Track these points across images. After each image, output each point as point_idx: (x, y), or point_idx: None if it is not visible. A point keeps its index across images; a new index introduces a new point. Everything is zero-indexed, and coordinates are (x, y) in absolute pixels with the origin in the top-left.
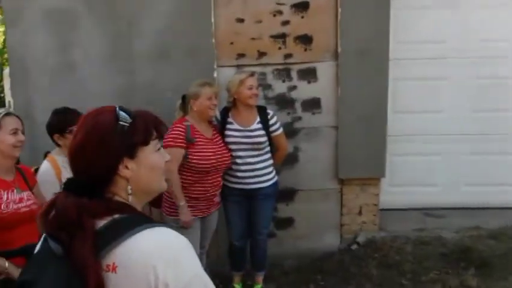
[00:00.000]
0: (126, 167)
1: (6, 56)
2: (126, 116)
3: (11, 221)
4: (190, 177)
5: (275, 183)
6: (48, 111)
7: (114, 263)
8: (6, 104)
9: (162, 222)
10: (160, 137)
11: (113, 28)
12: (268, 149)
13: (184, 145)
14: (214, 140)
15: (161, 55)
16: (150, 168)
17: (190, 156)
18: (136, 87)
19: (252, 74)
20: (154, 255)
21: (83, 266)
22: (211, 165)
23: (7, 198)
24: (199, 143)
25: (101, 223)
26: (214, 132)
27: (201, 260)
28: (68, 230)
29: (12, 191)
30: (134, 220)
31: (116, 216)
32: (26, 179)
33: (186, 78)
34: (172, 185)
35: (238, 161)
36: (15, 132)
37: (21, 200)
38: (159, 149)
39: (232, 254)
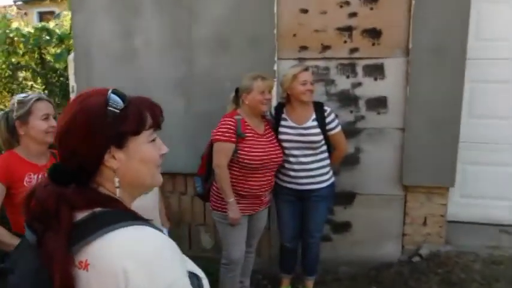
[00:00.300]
0: (113, 157)
1: (71, 41)
2: (119, 100)
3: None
4: (237, 173)
5: (331, 185)
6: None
7: (86, 260)
8: (70, 89)
9: (146, 220)
10: (157, 126)
11: (173, 16)
12: (324, 148)
13: (234, 140)
14: (266, 136)
15: (220, 45)
16: (140, 160)
17: (239, 152)
18: (194, 77)
19: (306, 69)
20: (127, 257)
21: (51, 259)
22: (260, 162)
23: (34, 182)
24: (250, 138)
25: (80, 216)
26: (267, 128)
27: (247, 259)
28: (43, 220)
29: (43, 175)
30: (115, 215)
31: (97, 209)
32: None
33: (245, 69)
34: (221, 180)
35: (292, 159)
36: (46, 118)
37: None
38: (153, 140)
39: (283, 255)
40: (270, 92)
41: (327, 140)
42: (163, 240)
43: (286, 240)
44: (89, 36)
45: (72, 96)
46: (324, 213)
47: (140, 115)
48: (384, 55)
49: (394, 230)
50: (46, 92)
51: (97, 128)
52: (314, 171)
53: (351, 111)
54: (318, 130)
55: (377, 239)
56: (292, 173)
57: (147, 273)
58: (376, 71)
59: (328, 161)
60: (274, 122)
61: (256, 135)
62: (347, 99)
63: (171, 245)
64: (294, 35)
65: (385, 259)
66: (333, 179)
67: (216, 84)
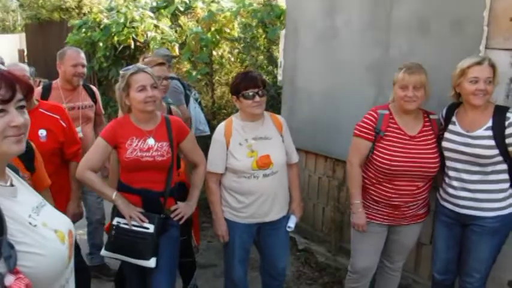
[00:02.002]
0: None
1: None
2: None
3: (132, 165)
4: (372, 175)
5: (507, 216)
6: (308, 75)
7: None
8: (278, 64)
9: None
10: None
11: None
12: (500, 167)
13: (371, 137)
14: (418, 139)
15: (419, 27)
16: None
17: (374, 152)
18: (389, 60)
19: (480, 62)
20: None
21: None
22: (398, 168)
23: (135, 146)
24: (391, 138)
25: None
26: (426, 130)
27: (388, 277)
28: None
29: (145, 140)
30: None
31: None
32: (170, 131)
33: (443, 57)
34: (349, 178)
35: (451, 174)
36: (142, 89)
37: (149, 149)
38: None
39: (432, 285)
40: (417, 88)
41: (507, 157)
42: None
43: (437, 271)
44: (299, 12)
45: (280, 72)
46: (489, 250)
47: None
48: None
49: None
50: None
51: None
52: (479, 194)
53: None
54: (490, 142)
55: None
56: (450, 190)
57: None
58: None
59: (506, 185)
60: (444, 125)
61: (401, 136)
62: None
63: None
64: None
65: None
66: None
67: None
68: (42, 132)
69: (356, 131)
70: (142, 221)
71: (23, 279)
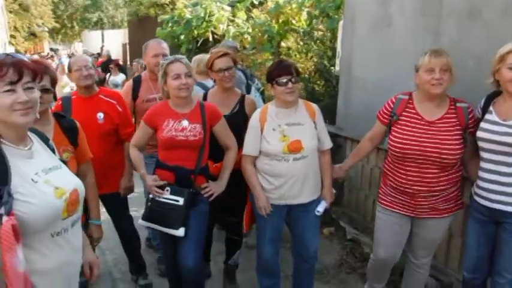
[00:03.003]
0: None
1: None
2: None
3: (167, 143)
4: (389, 160)
5: None
6: (363, 64)
7: None
8: (336, 54)
9: None
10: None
11: None
12: None
13: (386, 121)
14: (436, 125)
15: (471, 14)
16: None
17: (389, 135)
18: (440, 47)
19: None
20: None
21: None
22: (406, 152)
23: (171, 126)
24: (405, 122)
25: None
26: (449, 116)
27: (413, 274)
28: None
29: (180, 121)
30: None
31: None
32: (204, 115)
33: (493, 44)
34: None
35: (484, 165)
36: (177, 77)
37: (183, 129)
38: (10, 90)
39: (463, 284)
40: (443, 71)
41: None
42: None
43: (466, 269)
44: (356, 2)
45: (337, 62)
46: None
47: None
48: None
49: None
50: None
51: None
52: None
53: None
54: None
55: None
56: (483, 184)
57: None
58: None
59: None
60: (481, 113)
61: (417, 121)
62: None
63: None
64: None
65: None
66: None
67: (461, 60)
68: (100, 115)
69: (377, 113)
70: (160, 194)
71: (11, 220)
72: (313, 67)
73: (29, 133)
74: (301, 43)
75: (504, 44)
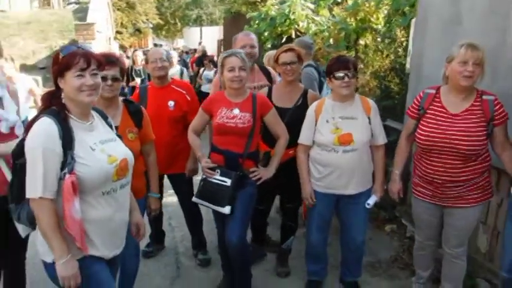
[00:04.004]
0: (60, 82)
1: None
2: (66, 51)
3: (219, 129)
4: (418, 151)
5: None
6: (433, 63)
7: None
8: (407, 53)
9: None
10: (82, 69)
11: None
12: None
13: (415, 115)
14: (460, 117)
15: None
16: (67, 85)
17: (417, 128)
18: (505, 46)
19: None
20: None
21: None
22: (431, 143)
23: (223, 114)
24: (431, 115)
25: None
26: (473, 109)
27: (449, 263)
28: None
29: (231, 110)
30: (47, 112)
31: (53, 107)
32: (255, 105)
33: None
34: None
35: None
36: (232, 70)
37: (233, 117)
38: (81, 75)
39: (501, 285)
40: (477, 64)
41: None
42: (45, 124)
43: (505, 269)
44: (427, 0)
45: (408, 60)
46: None
47: (68, 59)
48: None
49: None
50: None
51: (54, 64)
52: None
53: None
54: None
55: None
56: None
57: (27, 136)
58: None
59: None
60: None
61: (443, 113)
62: None
63: (46, 128)
64: None
65: None
66: None
67: None
68: (171, 103)
69: (407, 110)
70: (211, 175)
71: (72, 178)
72: (388, 65)
73: (92, 111)
74: (379, 40)
75: None
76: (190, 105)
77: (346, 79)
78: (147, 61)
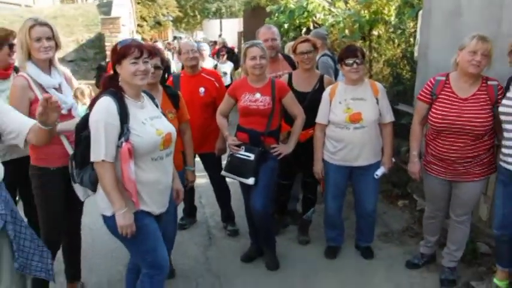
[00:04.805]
0: (118, 68)
1: None
2: (123, 43)
3: (243, 111)
4: (430, 132)
5: None
6: (437, 51)
7: None
8: (416, 41)
9: (113, 94)
10: (136, 57)
11: None
12: None
13: (427, 100)
14: (470, 101)
15: None
16: (123, 70)
17: (430, 112)
18: (501, 34)
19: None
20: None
21: None
22: (444, 125)
23: (247, 98)
24: (442, 99)
25: None
26: (480, 93)
27: (454, 228)
28: None
29: (254, 94)
30: (107, 92)
31: (111, 88)
32: (274, 89)
33: None
34: (410, 135)
35: (505, 135)
36: (254, 58)
37: (256, 100)
38: (135, 63)
39: (496, 244)
40: (485, 55)
41: None
42: (106, 102)
43: (495, 227)
44: None
45: (416, 48)
46: None
47: (124, 49)
48: None
49: None
50: None
51: (113, 54)
52: None
53: None
54: None
55: None
56: (504, 150)
57: (92, 111)
58: None
59: None
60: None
61: (453, 98)
62: None
63: (108, 105)
64: None
65: None
66: None
67: None
68: (202, 89)
69: (418, 95)
70: (236, 150)
71: (128, 145)
72: (400, 54)
73: (142, 93)
74: (391, 31)
75: None
76: (218, 92)
77: (355, 65)
78: (179, 52)
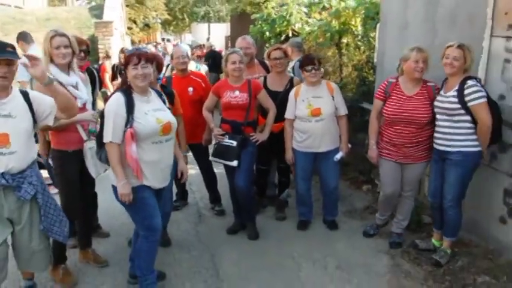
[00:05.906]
0: (125, 71)
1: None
2: (128, 51)
3: (226, 106)
4: (385, 123)
5: (468, 153)
6: (391, 58)
7: None
8: (375, 50)
9: (124, 90)
10: (136, 63)
11: None
12: (463, 118)
13: (382, 97)
14: (414, 98)
15: (451, 20)
16: (128, 74)
17: (384, 106)
18: (434, 47)
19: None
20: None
21: None
22: (393, 117)
23: (228, 95)
24: (393, 97)
25: None
26: (422, 92)
27: (402, 201)
28: None
29: (233, 91)
30: (120, 89)
31: (124, 87)
32: (250, 88)
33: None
34: (369, 126)
35: (437, 123)
36: (233, 63)
37: (235, 97)
38: (136, 68)
39: (431, 210)
40: (424, 62)
41: (468, 110)
42: (117, 97)
43: (429, 195)
44: (387, 8)
45: (375, 55)
46: (454, 177)
47: (127, 58)
48: None
49: None
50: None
51: (124, 58)
52: (448, 135)
53: None
54: (455, 100)
55: None
56: (435, 135)
57: (107, 104)
58: None
59: (470, 130)
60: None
61: (401, 95)
62: None
63: (117, 100)
64: (506, 14)
65: None
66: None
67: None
68: (190, 89)
69: (375, 94)
70: (221, 139)
71: (131, 130)
72: (365, 59)
73: (152, 90)
74: (357, 40)
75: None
76: (205, 91)
77: (313, 71)
78: (172, 57)
